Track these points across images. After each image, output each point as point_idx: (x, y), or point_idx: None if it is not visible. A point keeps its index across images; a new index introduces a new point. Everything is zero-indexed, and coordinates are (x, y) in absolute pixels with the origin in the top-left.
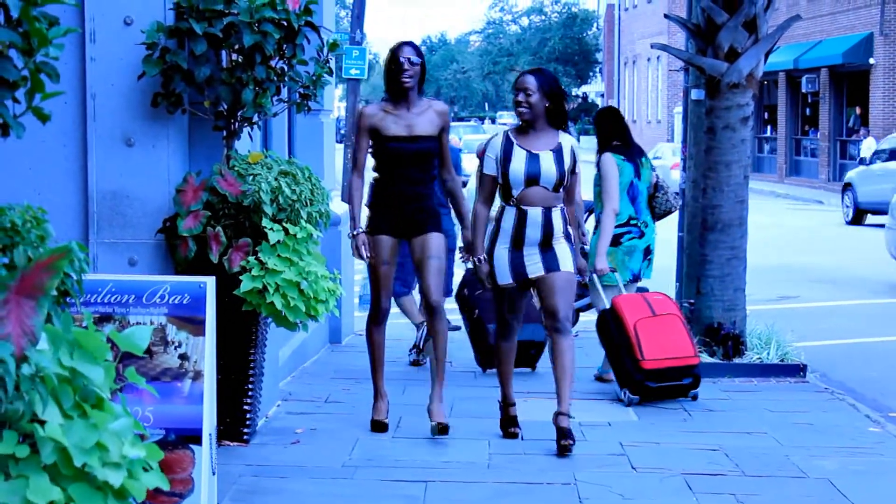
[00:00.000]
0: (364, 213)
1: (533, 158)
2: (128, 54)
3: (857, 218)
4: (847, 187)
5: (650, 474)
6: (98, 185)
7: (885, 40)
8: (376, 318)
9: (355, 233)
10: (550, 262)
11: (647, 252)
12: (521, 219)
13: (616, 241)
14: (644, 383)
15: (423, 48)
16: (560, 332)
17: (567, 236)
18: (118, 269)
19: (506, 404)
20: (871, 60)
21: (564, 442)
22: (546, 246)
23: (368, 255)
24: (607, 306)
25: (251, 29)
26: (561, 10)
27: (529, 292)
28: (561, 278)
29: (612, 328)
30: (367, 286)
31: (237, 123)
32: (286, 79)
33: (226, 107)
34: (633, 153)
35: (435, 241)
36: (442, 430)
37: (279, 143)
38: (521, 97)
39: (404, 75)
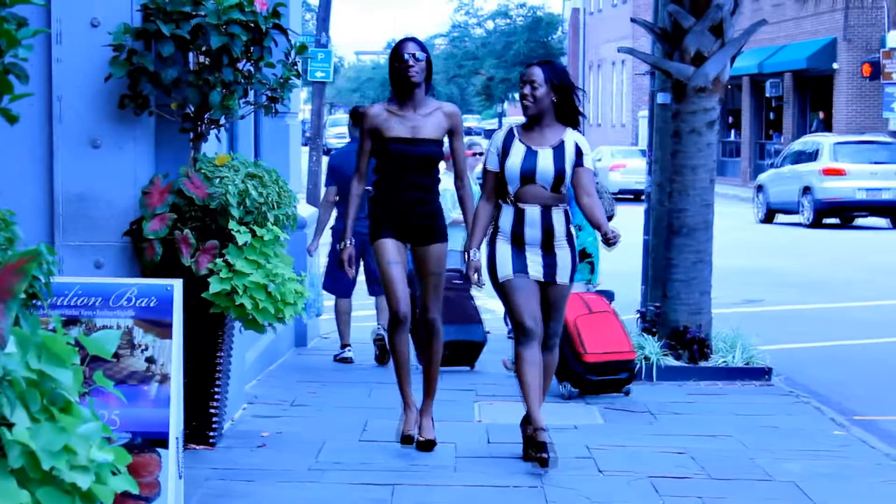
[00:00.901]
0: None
1: (531, 155)
2: (94, 56)
3: (769, 217)
4: (759, 189)
5: (617, 477)
6: (64, 187)
7: (848, 45)
8: (396, 325)
9: (343, 245)
10: (551, 269)
11: (583, 255)
12: (519, 217)
13: None
14: (585, 376)
15: (387, 51)
16: (547, 347)
17: (570, 239)
18: (84, 272)
19: (528, 424)
20: (835, 65)
21: (538, 454)
22: (548, 248)
23: (351, 271)
24: None
25: (219, 31)
26: (526, 13)
27: (538, 287)
28: (557, 293)
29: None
30: (312, 292)
31: (204, 126)
32: (254, 81)
33: (193, 109)
34: None
35: (436, 253)
36: (428, 446)
37: (245, 146)
38: (526, 90)
39: (410, 70)
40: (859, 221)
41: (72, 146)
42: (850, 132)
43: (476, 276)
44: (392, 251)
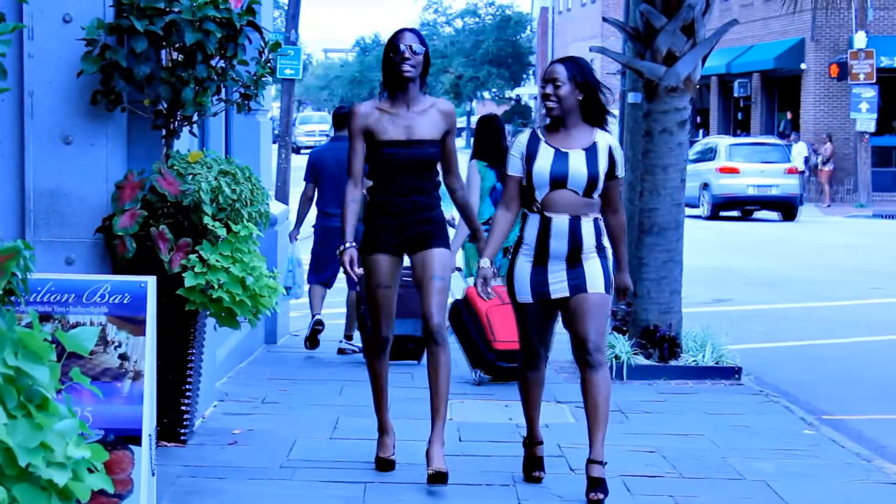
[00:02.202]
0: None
1: (561, 157)
2: (67, 51)
3: None
4: None
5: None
6: (35, 183)
7: (816, 46)
8: (376, 349)
9: (342, 248)
10: (577, 282)
11: (507, 252)
12: (545, 228)
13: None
14: (496, 363)
15: (355, 49)
16: (591, 365)
17: (600, 250)
18: (55, 269)
19: (531, 443)
20: (803, 66)
21: (594, 496)
22: (573, 261)
23: (358, 271)
24: (460, 297)
25: (193, 27)
26: (495, 12)
27: (557, 315)
28: (589, 301)
29: (464, 316)
30: (290, 277)
31: (177, 122)
32: (227, 78)
33: (165, 105)
34: (497, 160)
35: (438, 257)
36: (439, 478)
37: (216, 143)
38: (549, 89)
39: (405, 64)
40: (756, 214)
41: (43, 142)
42: (818, 132)
43: (483, 285)
44: (384, 272)
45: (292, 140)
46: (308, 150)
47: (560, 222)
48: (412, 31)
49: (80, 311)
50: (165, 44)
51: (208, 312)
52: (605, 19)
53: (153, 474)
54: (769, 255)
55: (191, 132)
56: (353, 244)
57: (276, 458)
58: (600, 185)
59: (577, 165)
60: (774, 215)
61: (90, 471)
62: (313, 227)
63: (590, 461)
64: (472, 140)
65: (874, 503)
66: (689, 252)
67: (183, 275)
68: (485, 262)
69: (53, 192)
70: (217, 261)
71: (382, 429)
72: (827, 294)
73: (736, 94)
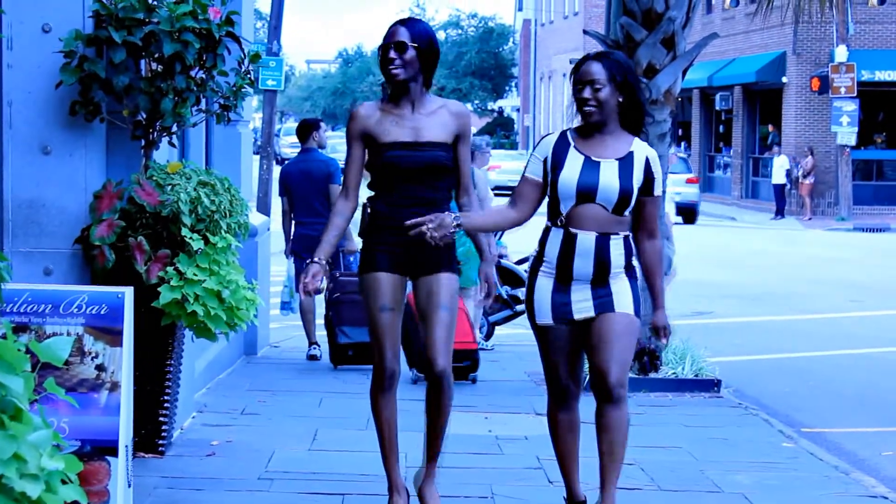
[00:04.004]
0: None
1: (591, 167)
2: (45, 62)
3: None
4: None
5: None
6: (13, 193)
7: (797, 59)
8: (381, 384)
9: (309, 261)
10: (603, 300)
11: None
12: (569, 245)
13: None
14: None
15: (338, 60)
16: (610, 400)
17: (629, 269)
18: (33, 279)
19: (571, 502)
20: (784, 79)
21: None
22: (600, 282)
23: (313, 288)
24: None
25: (172, 38)
26: (477, 24)
27: (581, 338)
28: (615, 325)
29: (408, 312)
30: (286, 293)
31: (156, 133)
32: (206, 89)
33: (144, 116)
34: None
35: (446, 285)
36: None
37: (196, 153)
38: (586, 92)
39: (391, 65)
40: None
41: (22, 152)
42: (800, 145)
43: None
44: (386, 292)
45: (278, 152)
46: None
47: (586, 240)
48: (406, 23)
49: (57, 322)
50: (144, 54)
51: (184, 325)
52: (586, 32)
53: (130, 485)
54: (750, 268)
55: (170, 143)
56: (322, 261)
57: (254, 469)
58: (633, 202)
59: (609, 178)
60: (678, 218)
61: (64, 482)
62: (293, 240)
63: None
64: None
65: None
66: None
67: (159, 289)
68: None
69: (32, 202)
70: (194, 274)
71: (392, 487)
72: (807, 307)
73: (718, 107)
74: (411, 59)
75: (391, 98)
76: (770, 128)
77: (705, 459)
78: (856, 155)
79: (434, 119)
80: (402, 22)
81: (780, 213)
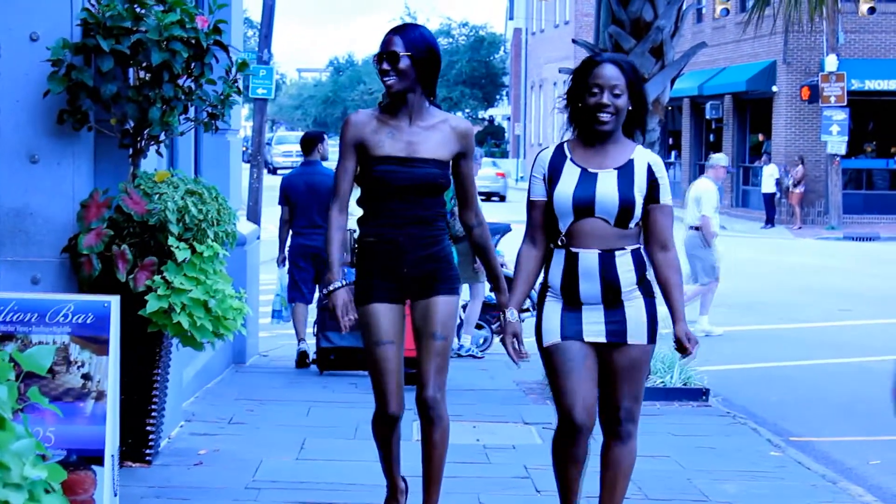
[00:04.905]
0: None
1: (587, 178)
2: (33, 70)
3: None
4: None
5: (555, 497)
6: (1, 201)
7: (787, 68)
8: (384, 426)
9: (330, 289)
10: (616, 327)
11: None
12: (571, 266)
13: None
14: (406, 371)
15: (329, 69)
16: (619, 438)
17: (643, 284)
18: (20, 288)
19: None
20: (774, 88)
21: None
22: (612, 304)
23: (352, 318)
24: None
25: (159, 47)
26: (468, 33)
27: (596, 358)
28: (628, 358)
29: None
30: (277, 301)
31: (144, 142)
32: (194, 97)
33: (132, 125)
34: None
35: (442, 310)
36: None
37: (185, 162)
38: (605, 98)
39: (385, 77)
40: None
41: (9, 160)
42: (790, 154)
43: (514, 342)
44: (384, 324)
45: (269, 161)
46: (284, 171)
47: (588, 259)
48: (400, 31)
49: (43, 331)
50: (132, 63)
51: (170, 334)
52: (574, 41)
53: (116, 495)
54: (739, 277)
55: (157, 151)
56: (344, 282)
57: (241, 478)
58: (637, 212)
59: (607, 188)
60: None
61: (47, 491)
62: (288, 248)
63: None
64: None
65: None
66: None
67: (146, 297)
68: (511, 315)
69: (19, 211)
70: (181, 283)
71: (394, 488)
72: (796, 316)
73: (708, 116)
74: (406, 68)
75: (388, 108)
76: (761, 137)
77: (693, 468)
78: (846, 164)
79: (433, 134)
80: (396, 30)
81: (769, 222)
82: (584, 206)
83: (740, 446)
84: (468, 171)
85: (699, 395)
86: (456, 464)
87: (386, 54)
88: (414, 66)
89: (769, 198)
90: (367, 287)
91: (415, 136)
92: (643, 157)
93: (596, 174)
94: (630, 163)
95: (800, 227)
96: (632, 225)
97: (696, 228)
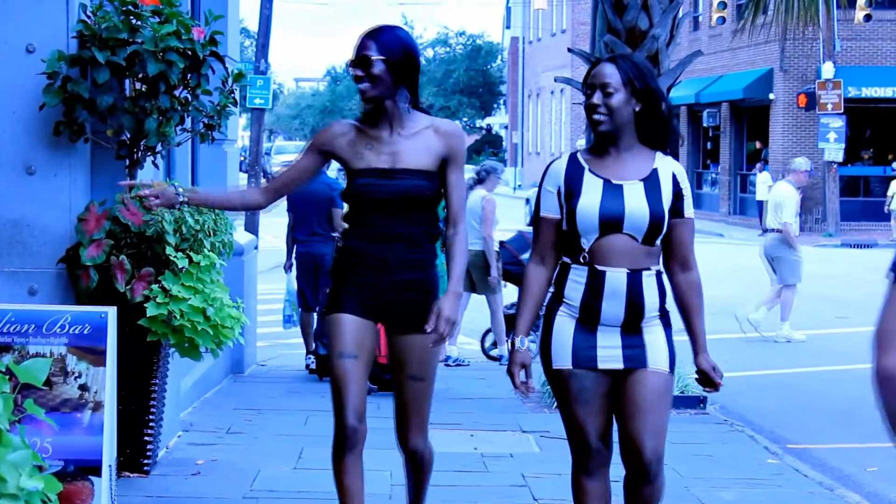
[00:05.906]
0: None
1: (613, 191)
2: (29, 82)
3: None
4: (527, 201)
5: None
6: None
7: (784, 76)
8: (342, 446)
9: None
10: (635, 352)
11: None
12: (596, 285)
13: None
14: (381, 375)
15: (326, 78)
16: (645, 478)
17: (664, 316)
18: (17, 299)
19: None
20: (771, 96)
21: None
22: (631, 329)
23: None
24: None
25: (155, 58)
26: (466, 42)
27: (610, 386)
28: (648, 387)
29: None
30: (288, 307)
31: (140, 152)
32: (190, 108)
33: (129, 136)
34: None
35: (420, 348)
36: None
37: (182, 173)
38: (595, 98)
39: (360, 83)
40: None
41: (6, 172)
42: (787, 162)
43: (522, 374)
44: (349, 338)
45: (268, 171)
46: None
47: (616, 279)
48: (374, 34)
49: (41, 342)
50: (128, 74)
51: (170, 343)
52: (570, 50)
53: None
54: (736, 284)
55: (153, 163)
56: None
57: (239, 488)
58: (665, 227)
59: (636, 202)
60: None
61: (44, 502)
62: (294, 256)
63: None
64: None
65: None
66: None
67: (145, 305)
68: (520, 342)
69: (16, 222)
70: (179, 292)
71: None
72: (793, 323)
73: (705, 124)
74: (380, 73)
75: (367, 118)
76: (758, 144)
77: (690, 476)
78: (843, 171)
79: (416, 142)
80: (369, 33)
81: (766, 229)
82: (613, 221)
83: (738, 454)
84: (455, 181)
85: (696, 402)
86: (453, 472)
87: (358, 59)
88: (389, 70)
89: (763, 205)
90: (339, 297)
91: (397, 146)
92: (667, 167)
93: (621, 186)
94: (654, 172)
95: (797, 235)
96: (658, 242)
97: (778, 231)
